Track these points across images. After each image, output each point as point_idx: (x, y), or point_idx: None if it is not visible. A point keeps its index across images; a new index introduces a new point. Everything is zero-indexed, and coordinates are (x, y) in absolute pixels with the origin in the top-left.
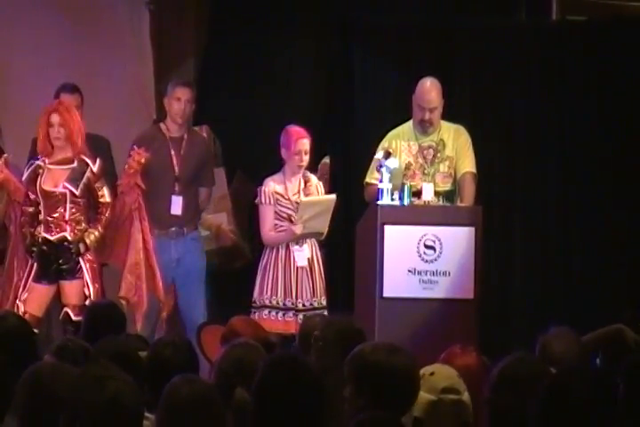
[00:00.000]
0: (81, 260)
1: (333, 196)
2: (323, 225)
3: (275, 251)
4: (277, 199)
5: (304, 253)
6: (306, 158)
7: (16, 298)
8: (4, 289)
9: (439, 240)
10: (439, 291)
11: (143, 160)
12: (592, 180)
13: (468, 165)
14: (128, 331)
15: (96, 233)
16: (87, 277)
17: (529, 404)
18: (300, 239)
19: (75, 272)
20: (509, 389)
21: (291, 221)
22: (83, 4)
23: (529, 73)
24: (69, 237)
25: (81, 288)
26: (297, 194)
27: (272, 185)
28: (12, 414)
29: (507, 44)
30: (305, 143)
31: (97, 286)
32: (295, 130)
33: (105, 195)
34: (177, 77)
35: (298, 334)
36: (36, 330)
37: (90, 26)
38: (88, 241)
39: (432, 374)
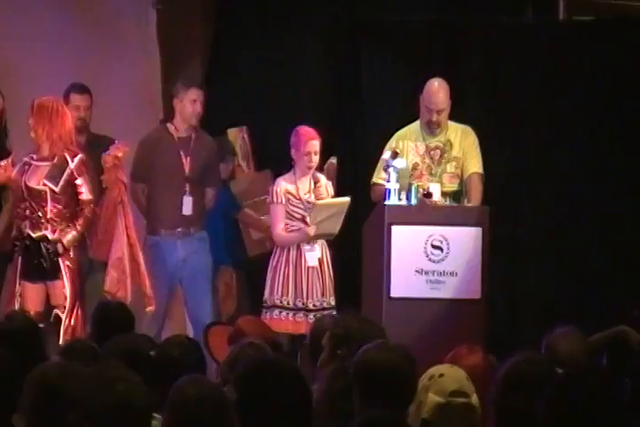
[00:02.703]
0: (60, 260)
1: (347, 198)
2: (335, 227)
3: (286, 251)
4: (289, 199)
5: (315, 253)
6: (315, 159)
7: (14, 294)
8: (5, 287)
9: (446, 240)
10: (446, 291)
11: (120, 154)
12: (599, 179)
13: (474, 165)
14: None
15: (74, 233)
16: (65, 277)
17: (536, 404)
18: (311, 240)
19: (56, 273)
20: (516, 389)
21: (302, 221)
22: (89, 4)
23: (536, 72)
24: (49, 237)
25: (63, 289)
26: (308, 193)
27: (283, 185)
28: (19, 414)
29: (513, 44)
30: (315, 144)
31: (75, 287)
32: (305, 131)
33: (84, 192)
34: (184, 77)
35: (309, 335)
36: (41, 325)
37: (96, 26)
38: (65, 241)
39: (441, 375)
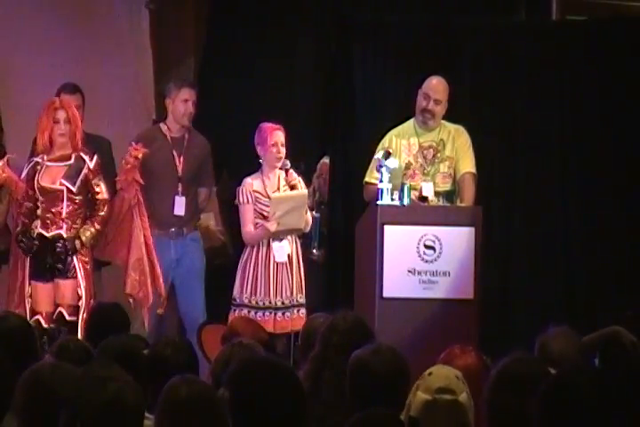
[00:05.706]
0: (75, 259)
1: (305, 191)
2: (298, 221)
3: (255, 249)
4: (256, 197)
5: (284, 249)
6: (283, 150)
7: (23, 296)
8: (10, 288)
9: (439, 240)
10: (439, 291)
11: (140, 155)
12: (593, 179)
13: (467, 165)
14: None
15: (92, 230)
16: (80, 276)
17: (528, 404)
18: (279, 235)
19: (68, 271)
20: (508, 389)
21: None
22: (82, 4)
23: (529, 73)
24: (65, 235)
25: (75, 288)
26: (277, 191)
27: (250, 184)
28: (12, 414)
29: (507, 44)
30: (280, 135)
31: (90, 284)
32: (268, 125)
33: (102, 191)
34: (176, 77)
35: (301, 335)
36: (52, 325)
37: (89, 26)
38: (84, 238)
39: (430, 374)
